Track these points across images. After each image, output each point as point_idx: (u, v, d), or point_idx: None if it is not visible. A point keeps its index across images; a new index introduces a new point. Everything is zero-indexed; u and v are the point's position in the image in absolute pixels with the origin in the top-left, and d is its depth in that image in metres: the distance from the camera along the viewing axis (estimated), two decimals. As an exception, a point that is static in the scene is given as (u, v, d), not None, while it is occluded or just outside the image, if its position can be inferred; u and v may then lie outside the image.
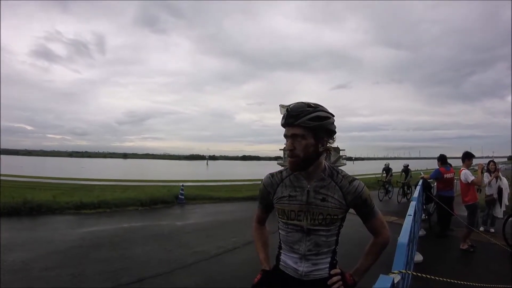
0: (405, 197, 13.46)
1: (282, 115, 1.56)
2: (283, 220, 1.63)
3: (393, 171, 15.67)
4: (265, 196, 1.73)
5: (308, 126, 1.47)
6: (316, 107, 1.50)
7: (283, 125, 1.54)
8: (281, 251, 1.69)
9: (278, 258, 1.70)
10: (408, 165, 14.63)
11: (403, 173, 14.63)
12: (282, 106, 1.64)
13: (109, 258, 5.49)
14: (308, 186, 1.57)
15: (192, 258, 5.55)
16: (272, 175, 1.71)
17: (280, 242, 1.70)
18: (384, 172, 15.73)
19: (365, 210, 1.60)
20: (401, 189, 13.84)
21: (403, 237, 1.88)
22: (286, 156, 1.80)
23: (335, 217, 1.56)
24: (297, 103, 1.52)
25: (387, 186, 14.78)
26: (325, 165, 1.61)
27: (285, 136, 1.54)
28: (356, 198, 1.56)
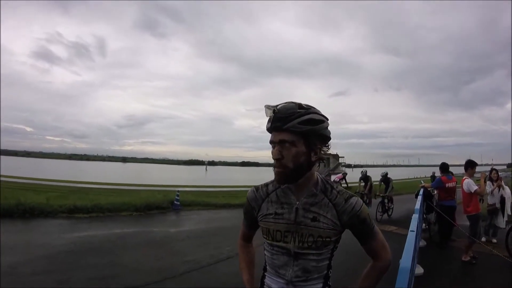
0: (386, 213, 11.44)
1: (268, 118, 1.31)
2: (268, 241, 1.40)
3: (373, 180, 13.18)
4: (249, 211, 1.51)
5: (299, 131, 1.24)
6: (309, 109, 1.27)
7: (269, 129, 1.30)
8: (265, 273, 1.46)
9: (262, 281, 1.48)
10: (387, 173, 12.09)
11: (382, 183, 12.14)
12: (268, 107, 1.34)
13: (98, 265, 5.32)
14: (297, 203, 1.34)
15: (184, 267, 5.35)
16: (256, 188, 1.48)
17: (265, 262, 1.47)
18: (361, 181, 13.34)
19: (363, 231, 1.36)
20: (380, 203, 11.20)
21: (406, 259, 1.60)
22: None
23: (327, 239, 1.31)
24: (286, 103, 1.28)
25: (365, 198, 12.39)
26: (317, 178, 1.38)
27: (272, 142, 1.30)
28: (353, 218, 1.32)
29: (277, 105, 1.28)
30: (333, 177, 20.40)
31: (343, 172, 19.48)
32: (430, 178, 18.52)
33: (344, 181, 19.34)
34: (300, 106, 1.27)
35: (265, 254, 1.45)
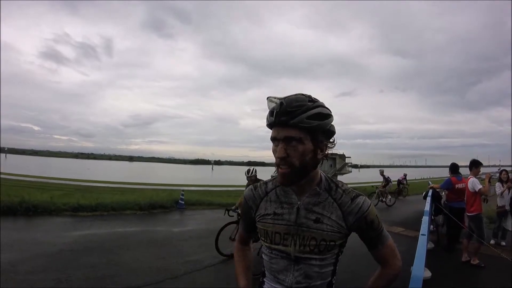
0: None
1: (270, 111, 1.15)
2: (266, 244, 1.27)
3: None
4: (246, 211, 1.38)
5: (306, 126, 1.10)
6: (317, 101, 1.14)
7: (272, 124, 1.15)
8: (264, 279, 1.33)
9: (261, 287, 1.35)
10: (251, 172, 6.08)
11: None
12: (271, 99, 1.13)
13: (98, 264, 5.25)
14: (299, 203, 1.21)
15: (185, 268, 5.26)
16: (255, 186, 1.36)
17: (263, 267, 1.34)
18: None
19: (371, 235, 1.23)
20: None
21: (418, 266, 1.43)
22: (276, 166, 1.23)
23: (331, 243, 1.18)
24: (294, 95, 1.15)
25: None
26: (321, 176, 1.25)
27: (274, 139, 1.16)
28: (360, 220, 1.19)
29: (285, 97, 1.13)
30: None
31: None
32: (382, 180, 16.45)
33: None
34: (309, 98, 1.14)
35: (263, 258, 1.33)
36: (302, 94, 1.15)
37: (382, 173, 16.10)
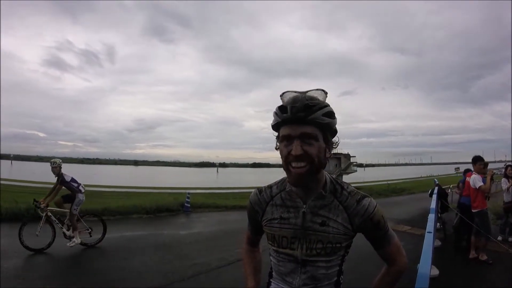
0: None
1: (281, 107, 1.12)
2: (273, 247, 1.29)
3: None
4: (252, 216, 1.39)
5: (322, 123, 1.09)
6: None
7: (286, 120, 1.10)
8: (271, 280, 1.35)
9: None
10: None
11: None
12: (287, 93, 1.15)
13: (105, 268, 5.29)
14: (304, 206, 1.20)
15: (192, 270, 5.26)
16: (260, 190, 1.36)
17: (271, 268, 1.36)
18: None
19: (377, 235, 1.23)
20: None
21: (425, 264, 1.42)
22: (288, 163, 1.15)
23: (337, 245, 1.19)
24: (316, 89, 1.13)
25: None
26: (326, 178, 1.23)
27: (287, 137, 1.11)
28: (366, 221, 1.19)
29: (306, 91, 1.11)
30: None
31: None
32: None
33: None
34: (326, 93, 1.14)
35: (271, 260, 1.34)
36: (321, 89, 1.13)
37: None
